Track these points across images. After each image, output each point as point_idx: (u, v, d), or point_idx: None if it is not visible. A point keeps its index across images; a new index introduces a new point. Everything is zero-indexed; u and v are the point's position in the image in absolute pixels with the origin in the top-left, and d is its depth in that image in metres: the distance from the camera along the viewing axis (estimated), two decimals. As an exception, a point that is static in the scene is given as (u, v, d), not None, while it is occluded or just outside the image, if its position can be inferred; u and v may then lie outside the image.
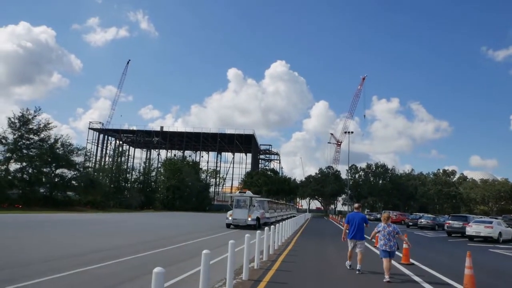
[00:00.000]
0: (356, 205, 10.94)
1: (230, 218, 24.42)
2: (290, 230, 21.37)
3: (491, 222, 23.52)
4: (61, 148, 43.95)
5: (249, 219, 23.98)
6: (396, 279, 8.92)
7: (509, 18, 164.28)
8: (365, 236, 9.82)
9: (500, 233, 22.99)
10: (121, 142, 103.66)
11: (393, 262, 11.20)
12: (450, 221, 28.35)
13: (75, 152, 45.67)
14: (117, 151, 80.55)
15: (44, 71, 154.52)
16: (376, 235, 9.42)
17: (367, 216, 13.48)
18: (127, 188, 65.77)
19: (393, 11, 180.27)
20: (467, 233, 23.86)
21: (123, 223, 26.90)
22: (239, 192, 28.51)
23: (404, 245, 11.33)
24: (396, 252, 9.22)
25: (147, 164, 75.68)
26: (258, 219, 24.78)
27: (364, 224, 9.79)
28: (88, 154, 49.58)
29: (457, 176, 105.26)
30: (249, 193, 27.51)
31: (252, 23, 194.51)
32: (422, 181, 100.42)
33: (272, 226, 13.15)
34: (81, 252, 11.17)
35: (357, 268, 9.56)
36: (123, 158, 78.37)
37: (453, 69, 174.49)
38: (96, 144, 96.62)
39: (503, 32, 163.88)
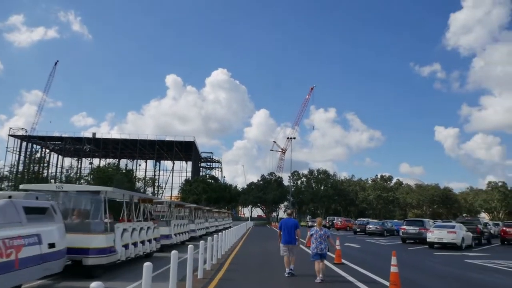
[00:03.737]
0: (288, 211, 12.12)
1: None
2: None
3: (453, 227, 21.18)
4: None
5: None
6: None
7: (433, 36, 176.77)
8: (300, 240, 10.41)
9: (463, 239, 20.82)
10: (47, 150, 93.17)
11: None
12: (405, 227, 25.94)
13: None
14: (33, 158, 71.37)
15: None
16: (309, 238, 9.81)
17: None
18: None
19: (332, 21, 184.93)
20: (428, 240, 21.33)
21: None
22: None
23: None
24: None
25: (70, 172, 67.38)
26: None
27: (296, 229, 10.12)
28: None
29: (393, 181, 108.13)
30: None
31: (191, 29, 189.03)
32: (362, 187, 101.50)
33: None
34: None
35: (290, 267, 9.95)
36: (42, 166, 69.30)
37: (385, 82, 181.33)
38: (18, 152, 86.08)
39: (428, 49, 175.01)
